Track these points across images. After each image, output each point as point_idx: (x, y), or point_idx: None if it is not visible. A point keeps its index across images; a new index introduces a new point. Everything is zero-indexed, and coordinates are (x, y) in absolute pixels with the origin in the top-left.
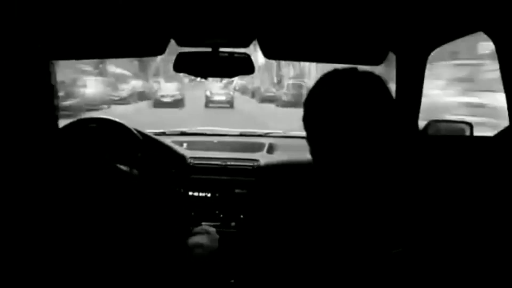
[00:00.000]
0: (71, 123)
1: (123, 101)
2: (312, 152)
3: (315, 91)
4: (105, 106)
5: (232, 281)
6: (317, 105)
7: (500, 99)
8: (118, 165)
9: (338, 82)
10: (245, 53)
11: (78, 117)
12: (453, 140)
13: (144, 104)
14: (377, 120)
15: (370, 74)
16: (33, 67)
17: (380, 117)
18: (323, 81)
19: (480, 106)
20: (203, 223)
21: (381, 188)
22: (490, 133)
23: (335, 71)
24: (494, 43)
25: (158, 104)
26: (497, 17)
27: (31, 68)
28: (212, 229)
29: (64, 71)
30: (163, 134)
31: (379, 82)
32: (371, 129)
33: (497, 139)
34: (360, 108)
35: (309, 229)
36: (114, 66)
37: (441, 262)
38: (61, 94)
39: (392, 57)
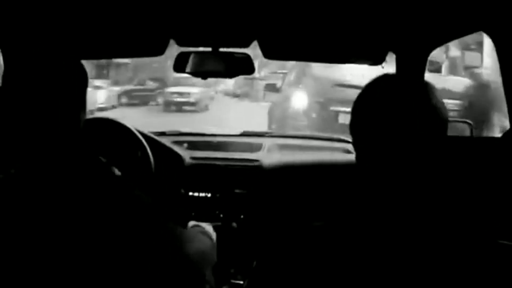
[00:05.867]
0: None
1: None
2: (358, 156)
3: (366, 97)
4: None
5: (232, 281)
6: (370, 110)
7: None
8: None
9: (392, 89)
10: (245, 53)
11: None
12: (453, 140)
13: None
14: (428, 129)
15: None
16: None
17: (431, 127)
18: (374, 86)
19: None
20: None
21: (419, 190)
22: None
23: (385, 76)
24: (494, 42)
25: None
26: (497, 17)
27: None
28: (209, 228)
29: None
30: (163, 134)
31: (432, 90)
32: (422, 137)
33: (501, 141)
34: (413, 116)
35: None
36: None
37: (444, 264)
38: None
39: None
